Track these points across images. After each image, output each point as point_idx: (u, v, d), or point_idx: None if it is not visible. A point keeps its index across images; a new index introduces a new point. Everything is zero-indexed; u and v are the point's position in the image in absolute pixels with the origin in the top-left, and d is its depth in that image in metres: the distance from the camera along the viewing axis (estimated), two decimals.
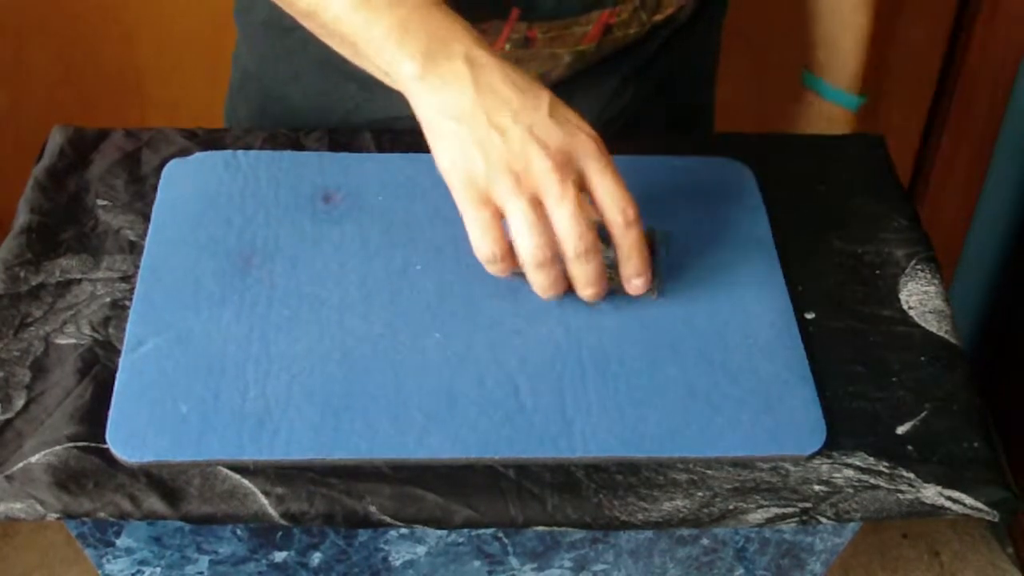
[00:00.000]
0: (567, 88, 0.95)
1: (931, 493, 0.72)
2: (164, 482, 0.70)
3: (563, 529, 0.72)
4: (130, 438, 0.71)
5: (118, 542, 0.77)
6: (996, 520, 0.73)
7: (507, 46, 0.88)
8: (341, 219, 0.84)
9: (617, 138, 0.94)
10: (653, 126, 1.01)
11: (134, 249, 0.82)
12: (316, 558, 0.79)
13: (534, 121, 0.68)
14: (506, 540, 0.78)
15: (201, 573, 0.80)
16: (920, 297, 0.83)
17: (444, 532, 0.76)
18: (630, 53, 0.94)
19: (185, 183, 0.86)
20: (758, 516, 0.71)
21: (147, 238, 0.82)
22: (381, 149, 0.90)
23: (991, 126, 1.61)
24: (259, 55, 1.01)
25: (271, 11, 0.85)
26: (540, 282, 0.72)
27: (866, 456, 0.74)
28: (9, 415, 0.73)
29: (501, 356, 0.76)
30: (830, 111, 1.06)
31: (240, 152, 0.88)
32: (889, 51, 1.60)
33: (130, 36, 1.51)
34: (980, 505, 0.72)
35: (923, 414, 0.76)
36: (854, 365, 0.79)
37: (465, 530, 0.76)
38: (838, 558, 0.83)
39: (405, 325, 0.78)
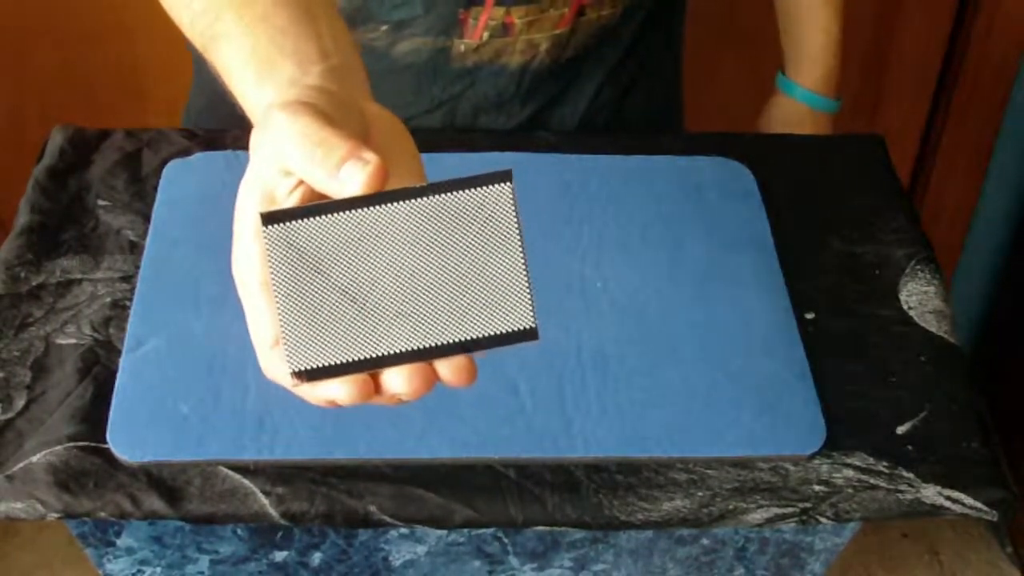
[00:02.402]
0: (555, 90, 0.95)
1: (930, 493, 0.72)
2: (164, 482, 0.70)
3: (563, 529, 0.72)
4: (130, 438, 0.71)
5: (119, 542, 0.77)
6: (995, 520, 0.73)
7: (486, 35, 0.89)
8: None
9: (602, 137, 0.95)
10: (633, 122, 1.01)
11: (134, 249, 0.82)
12: (316, 558, 0.79)
13: None
14: (506, 540, 0.78)
15: (202, 573, 0.80)
16: (920, 297, 0.83)
17: (444, 532, 0.76)
18: (606, 44, 0.95)
19: (186, 183, 0.86)
20: (758, 516, 0.72)
21: (147, 238, 0.82)
22: None
23: (991, 126, 1.61)
24: None
25: None
26: None
27: (866, 456, 0.74)
28: (10, 415, 0.73)
29: (500, 356, 0.76)
30: (799, 112, 1.07)
31: (241, 152, 0.88)
32: (889, 51, 1.60)
33: (131, 36, 1.51)
34: (979, 505, 0.73)
35: (923, 414, 0.76)
36: (854, 365, 0.79)
37: (465, 530, 0.76)
38: (838, 558, 0.83)
39: None
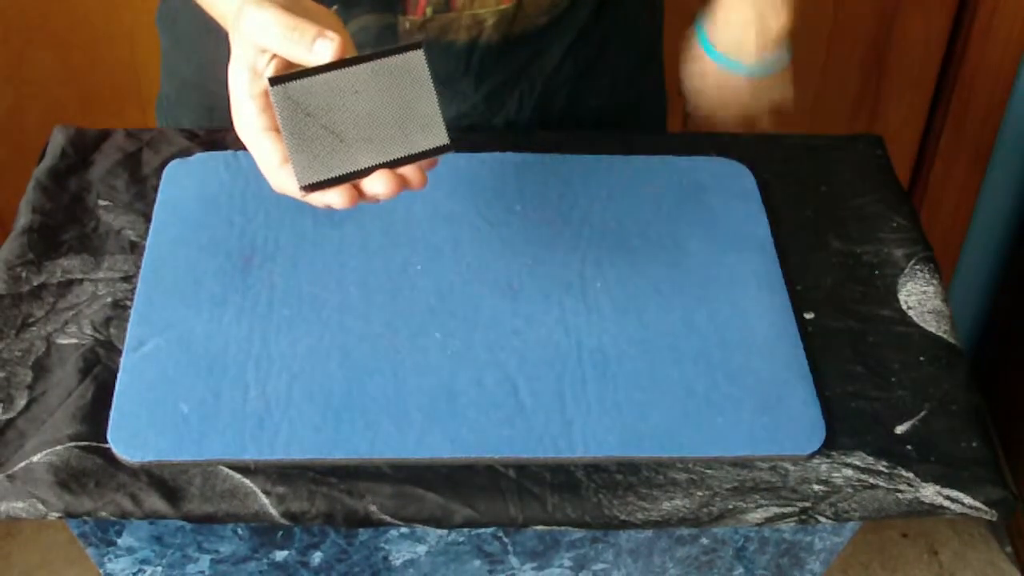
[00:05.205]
0: (508, 71, 0.94)
1: (930, 493, 0.73)
2: (165, 481, 0.70)
3: (563, 529, 0.72)
4: (131, 438, 0.71)
5: (119, 541, 0.77)
6: (995, 519, 0.74)
7: (428, 10, 0.89)
8: (341, 220, 0.84)
9: (602, 136, 0.94)
10: (596, 106, 1.00)
11: (135, 249, 0.82)
12: (317, 557, 0.79)
13: None
14: (506, 539, 0.78)
15: (202, 572, 0.80)
16: (919, 297, 0.83)
17: (444, 531, 0.77)
18: (561, 24, 0.94)
19: (186, 183, 0.86)
20: (757, 515, 0.72)
21: (148, 238, 0.82)
22: None
23: (990, 126, 1.61)
24: (199, 62, 0.99)
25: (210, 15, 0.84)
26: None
27: (865, 456, 0.74)
28: (11, 415, 0.73)
29: (501, 356, 0.76)
30: (716, 72, 0.99)
31: (241, 152, 0.88)
32: (888, 51, 1.60)
33: (131, 36, 1.51)
34: (979, 504, 0.73)
35: (922, 414, 0.77)
36: (853, 365, 0.79)
37: (465, 529, 0.76)
38: (837, 557, 0.83)
39: (405, 325, 0.78)
